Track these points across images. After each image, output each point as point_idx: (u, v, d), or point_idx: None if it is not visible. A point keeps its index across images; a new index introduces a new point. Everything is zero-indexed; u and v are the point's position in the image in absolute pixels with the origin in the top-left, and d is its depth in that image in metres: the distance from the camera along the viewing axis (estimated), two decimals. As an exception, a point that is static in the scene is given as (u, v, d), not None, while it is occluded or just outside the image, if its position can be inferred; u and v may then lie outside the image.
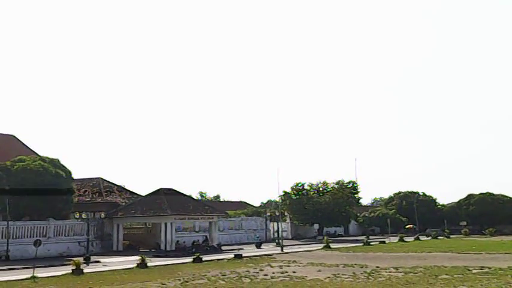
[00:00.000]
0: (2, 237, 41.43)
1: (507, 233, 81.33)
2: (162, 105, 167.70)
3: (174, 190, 54.13)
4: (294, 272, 29.22)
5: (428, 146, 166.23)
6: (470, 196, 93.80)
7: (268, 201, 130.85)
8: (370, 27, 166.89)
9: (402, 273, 28.02)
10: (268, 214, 65.74)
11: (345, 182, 78.31)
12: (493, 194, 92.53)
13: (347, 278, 26.48)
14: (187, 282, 25.67)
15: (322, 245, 52.94)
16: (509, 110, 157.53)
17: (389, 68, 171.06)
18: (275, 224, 71.47)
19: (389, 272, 28.98)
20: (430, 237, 72.59)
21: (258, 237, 62.33)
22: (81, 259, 38.59)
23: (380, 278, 26.33)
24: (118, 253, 46.84)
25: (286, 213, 73.62)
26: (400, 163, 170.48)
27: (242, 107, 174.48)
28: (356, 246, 54.80)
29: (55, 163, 46.42)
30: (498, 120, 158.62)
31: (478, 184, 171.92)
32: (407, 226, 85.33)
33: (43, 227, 44.79)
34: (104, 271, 31.56)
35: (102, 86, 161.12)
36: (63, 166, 47.05)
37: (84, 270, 30.33)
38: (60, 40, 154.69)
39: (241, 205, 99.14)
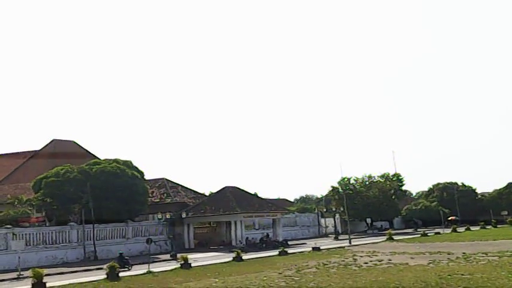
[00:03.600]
0: (87, 239, 43.35)
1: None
2: (193, 104, 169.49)
3: (238, 188, 55.93)
4: (390, 260, 30.61)
5: (465, 135, 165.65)
6: (510, 185, 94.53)
7: (301, 197, 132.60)
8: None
9: (496, 257, 29.32)
10: (325, 210, 67.38)
11: (390, 175, 79.42)
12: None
13: (448, 263, 27.84)
14: (300, 270, 27.26)
15: (384, 238, 54.26)
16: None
17: (415, 58, 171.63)
18: (326, 219, 73.15)
19: (482, 256, 30.28)
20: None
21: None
22: (168, 256, 40.89)
23: (480, 261, 27.69)
24: (192, 251, 48.43)
25: (334, 208, 74.96)
26: (437, 153, 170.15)
27: (270, 102, 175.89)
28: (415, 237, 56.03)
29: (128, 164, 48.20)
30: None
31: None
32: (449, 218, 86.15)
33: (122, 229, 46.93)
34: (206, 265, 33.25)
35: (138, 88, 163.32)
36: (136, 167, 48.83)
37: (192, 265, 31.96)
38: (102, 43, 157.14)
39: (282, 202, 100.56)
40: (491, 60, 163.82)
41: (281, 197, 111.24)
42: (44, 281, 25.13)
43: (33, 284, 24.67)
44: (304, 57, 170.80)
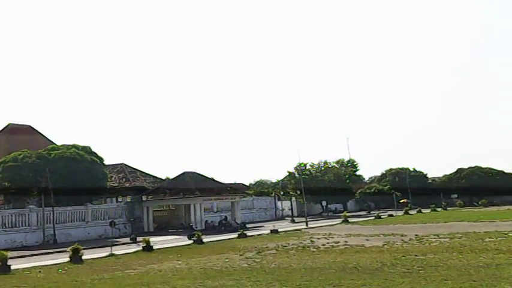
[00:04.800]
0: (48, 223, 43.39)
1: (498, 203, 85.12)
2: (148, 90, 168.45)
3: (197, 173, 56.67)
4: (346, 242, 31.76)
5: (417, 123, 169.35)
6: (459, 170, 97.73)
7: (256, 181, 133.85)
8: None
9: (447, 239, 30.78)
10: (282, 193, 68.68)
11: (344, 161, 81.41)
12: (481, 168, 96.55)
13: (402, 244, 29.08)
14: (260, 252, 28.15)
15: (339, 220, 55.75)
16: (494, 88, 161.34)
17: (363, 45, 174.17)
18: (282, 202, 74.47)
19: (434, 238, 31.69)
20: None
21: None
22: (127, 239, 41.34)
23: (433, 243, 29.06)
24: (151, 234, 48.79)
25: (290, 192, 76.36)
26: (390, 140, 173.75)
27: (230, 89, 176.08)
28: (369, 220, 57.72)
29: (87, 150, 48.35)
30: (480, 99, 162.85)
31: (467, 157, 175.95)
32: (401, 201, 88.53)
33: (82, 212, 47.10)
34: (168, 247, 33.86)
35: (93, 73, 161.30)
36: (95, 153, 48.98)
37: (154, 247, 32.50)
38: (73, 35, 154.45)
39: (239, 186, 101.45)
40: (438, 46, 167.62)
41: (237, 182, 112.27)
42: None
43: (-3, 267, 24.84)
44: (259, 41, 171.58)
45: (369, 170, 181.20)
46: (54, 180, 43.51)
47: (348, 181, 77.39)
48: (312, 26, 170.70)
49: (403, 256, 23.58)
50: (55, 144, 53.92)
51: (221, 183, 61.12)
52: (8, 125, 61.20)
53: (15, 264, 26.46)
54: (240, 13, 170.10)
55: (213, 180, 59.52)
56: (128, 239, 41.78)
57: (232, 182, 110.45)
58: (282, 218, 71.70)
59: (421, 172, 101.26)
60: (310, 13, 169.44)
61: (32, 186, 45.16)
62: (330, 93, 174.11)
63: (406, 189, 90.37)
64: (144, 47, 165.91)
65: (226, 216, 56.89)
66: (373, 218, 59.59)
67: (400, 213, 67.39)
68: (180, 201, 54.55)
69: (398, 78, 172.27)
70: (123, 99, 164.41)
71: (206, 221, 52.85)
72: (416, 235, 34.02)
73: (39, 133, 62.39)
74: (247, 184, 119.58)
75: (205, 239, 37.58)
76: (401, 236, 34.33)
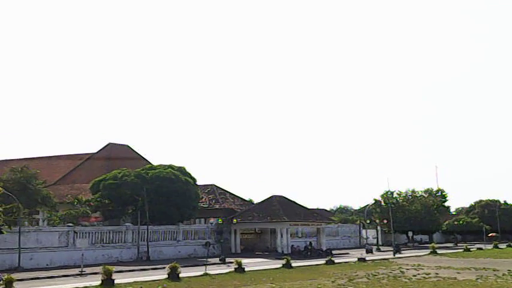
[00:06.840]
0: (142, 240, 45.23)
1: None
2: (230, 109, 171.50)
3: (285, 197, 57.51)
4: (437, 274, 31.58)
5: (506, 153, 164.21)
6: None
7: (337, 208, 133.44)
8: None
9: (544, 275, 30.16)
10: (368, 222, 68.51)
11: (433, 190, 79.97)
12: None
13: (495, 279, 28.68)
14: (351, 280, 28.49)
15: (426, 251, 55.08)
16: None
17: (453, 71, 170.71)
18: (367, 231, 74.13)
19: (530, 274, 31.08)
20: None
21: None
22: (217, 259, 42.50)
23: (528, 279, 28.56)
24: (238, 255, 49.77)
25: (377, 221, 75.72)
26: (479, 171, 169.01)
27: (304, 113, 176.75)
28: (457, 252, 56.67)
29: (182, 170, 50.10)
30: None
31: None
32: (490, 234, 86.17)
33: (174, 231, 48.81)
34: (258, 270, 34.66)
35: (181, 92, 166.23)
36: (189, 173, 50.72)
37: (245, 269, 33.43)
38: (159, 53, 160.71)
39: (321, 212, 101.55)
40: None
41: (318, 206, 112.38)
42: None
43: (102, 281, 26.38)
44: (350, 67, 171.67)
45: (455, 200, 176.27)
46: (150, 198, 45.50)
47: (435, 212, 76.08)
48: (402, 50, 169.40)
49: (498, 291, 23.43)
50: (151, 163, 56.38)
51: (306, 208, 61.57)
52: (107, 144, 64.53)
53: (117, 279, 27.93)
54: (331, 35, 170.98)
55: (298, 205, 60.01)
56: (217, 259, 42.93)
57: (313, 206, 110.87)
58: (364, 246, 71.28)
59: (511, 205, 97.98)
60: (398, 38, 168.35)
61: (129, 204, 47.34)
62: (420, 120, 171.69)
63: (496, 223, 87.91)
64: (233, 67, 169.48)
65: (311, 242, 57.26)
66: (462, 250, 58.38)
67: (489, 246, 65.61)
68: (267, 225, 55.58)
69: (491, 106, 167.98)
70: (218, 123, 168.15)
71: (292, 245, 53.51)
72: (509, 270, 33.33)
73: (136, 152, 65.47)
74: (328, 209, 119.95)
75: (294, 263, 38.15)
76: (494, 270, 33.72)
